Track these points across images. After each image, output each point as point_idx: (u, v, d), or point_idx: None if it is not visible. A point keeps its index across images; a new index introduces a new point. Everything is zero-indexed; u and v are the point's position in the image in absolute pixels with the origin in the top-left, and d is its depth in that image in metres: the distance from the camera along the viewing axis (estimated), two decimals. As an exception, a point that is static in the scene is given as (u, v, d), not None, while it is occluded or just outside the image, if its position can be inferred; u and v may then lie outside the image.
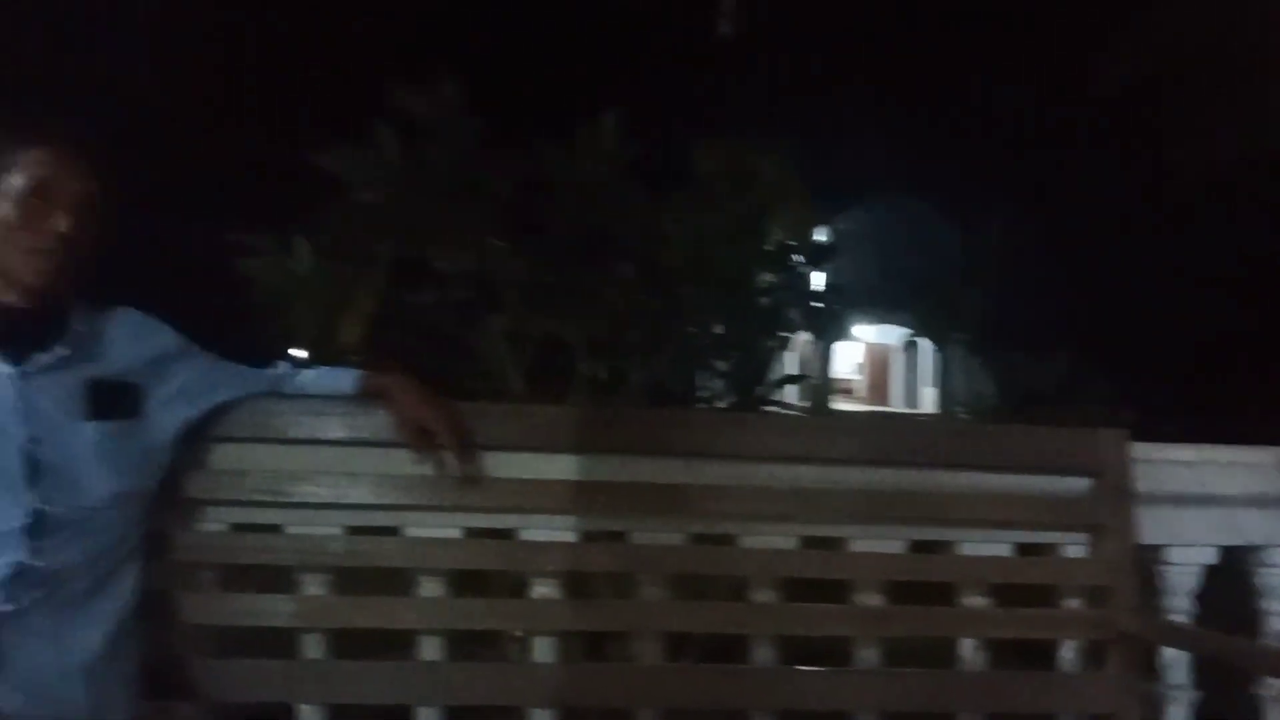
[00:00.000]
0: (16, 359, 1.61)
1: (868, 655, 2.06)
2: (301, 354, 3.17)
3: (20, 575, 1.53)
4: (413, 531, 1.96)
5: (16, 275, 1.62)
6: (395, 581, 1.97)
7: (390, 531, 1.96)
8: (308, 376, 1.96)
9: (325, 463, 1.92)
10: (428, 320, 3.19)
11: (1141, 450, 2.14)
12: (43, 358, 1.63)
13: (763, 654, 2.02)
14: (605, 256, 3.16)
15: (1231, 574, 2.25)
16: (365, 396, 1.91)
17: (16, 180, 1.61)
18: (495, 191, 3.12)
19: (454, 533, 1.96)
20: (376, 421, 1.90)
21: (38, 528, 1.56)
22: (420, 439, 1.88)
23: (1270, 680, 2.14)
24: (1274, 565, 2.23)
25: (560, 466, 1.98)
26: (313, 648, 1.91)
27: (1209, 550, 2.22)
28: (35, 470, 1.57)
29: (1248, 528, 2.22)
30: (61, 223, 1.62)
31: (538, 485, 1.97)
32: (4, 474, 1.55)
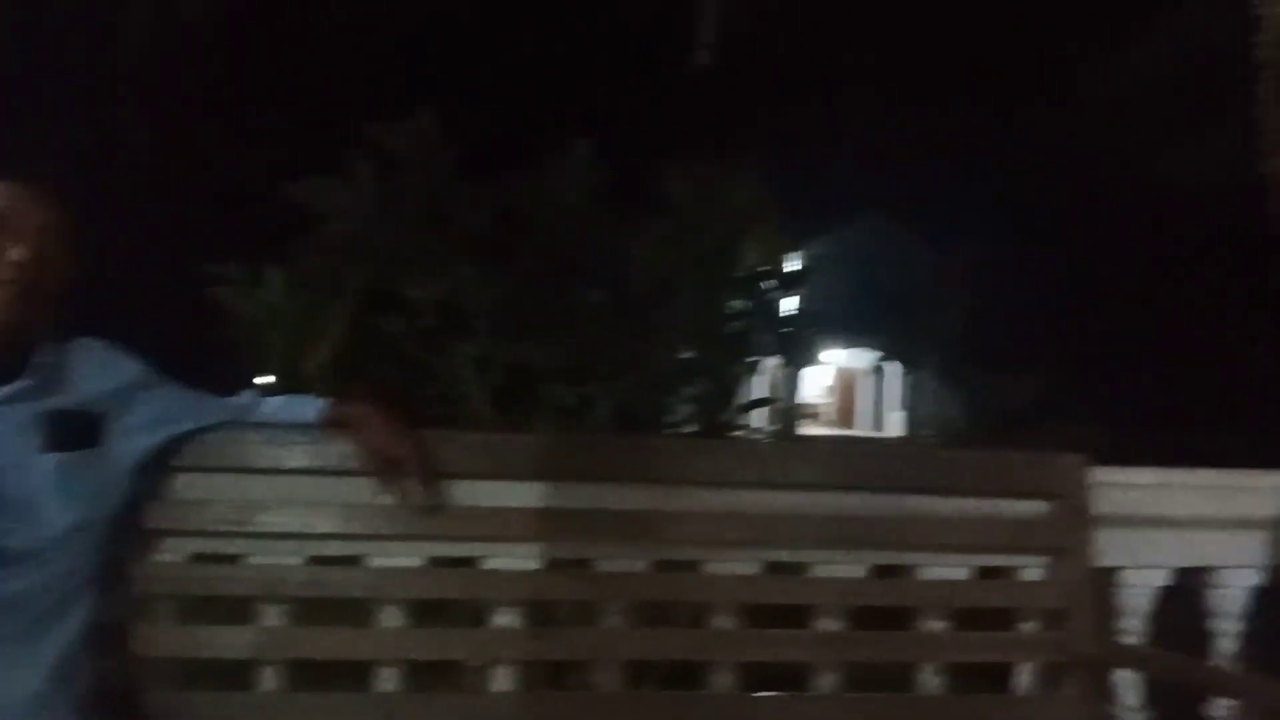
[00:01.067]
0: (-25, 391, 1.59)
1: (828, 680, 2.04)
2: (267, 382, 3.16)
3: (-26, 605, 1.51)
4: (376, 561, 1.93)
5: None
6: (358, 612, 1.95)
7: (354, 561, 1.93)
8: (272, 405, 1.94)
9: (288, 492, 1.90)
10: (397, 348, 3.18)
11: (1101, 474, 2.14)
12: (3, 390, 1.61)
13: (724, 680, 2.01)
14: (575, 283, 3.17)
15: (1186, 595, 2.26)
16: (330, 425, 1.89)
17: None
18: (467, 221, 3.12)
19: (416, 562, 1.94)
20: (341, 450, 1.87)
21: (-6, 558, 1.53)
22: (385, 467, 1.86)
23: (1221, 701, 2.14)
24: (1227, 586, 2.24)
25: (526, 494, 1.96)
26: (272, 679, 1.89)
27: (1162, 571, 2.22)
28: (-7, 501, 1.55)
29: (1203, 549, 2.23)
30: (19, 254, 1.60)
31: (503, 513, 1.95)
32: None
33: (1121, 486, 2.19)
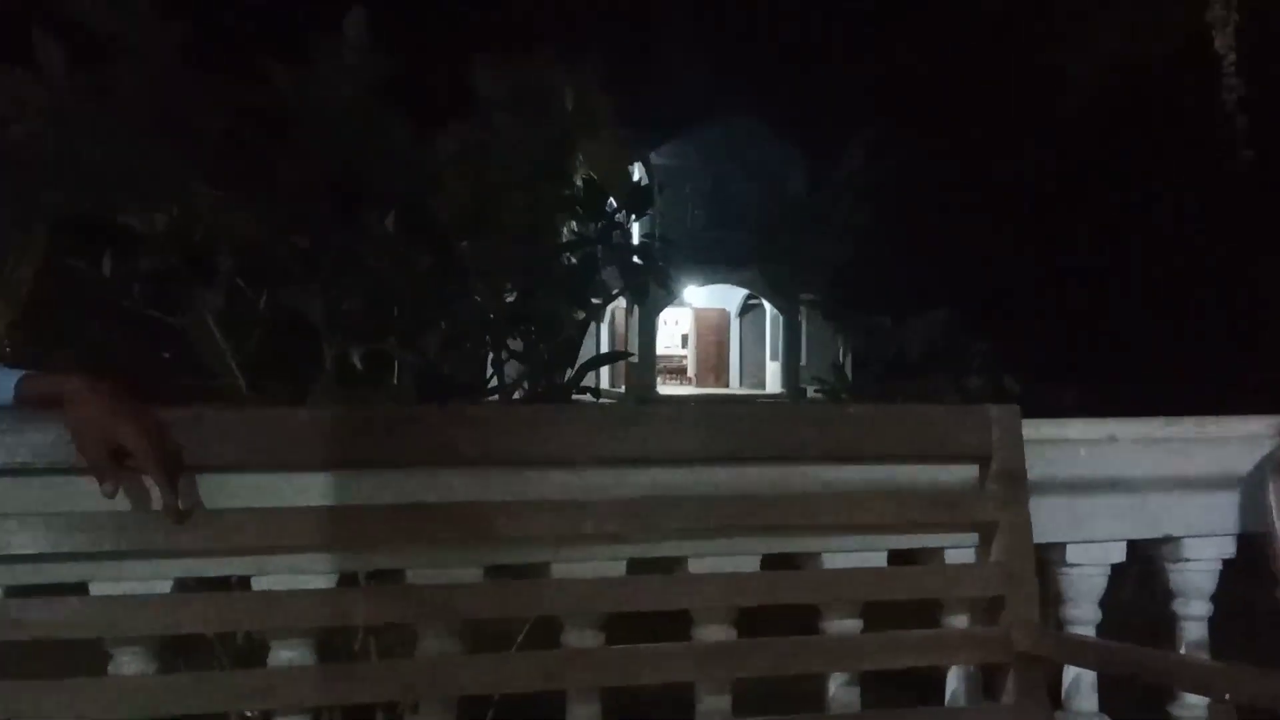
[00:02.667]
0: None
1: (715, 703, 2.07)
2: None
3: None
4: (103, 588, 1.83)
5: None
6: (80, 656, 1.85)
7: (74, 590, 1.83)
8: (-57, 382, 1.81)
9: (-24, 499, 1.78)
10: (113, 298, 3.02)
11: (1035, 429, 2.22)
12: None
13: (584, 713, 2.00)
14: (358, 208, 3.07)
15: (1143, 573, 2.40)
16: (29, 405, 1.77)
17: None
18: (204, 125, 2.98)
19: (163, 586, 1.86)
20: (47, 440, 1.77)
21: None
22: (110, 461, 1.76)
23: (1188, 698, 2.28)
24: (1193, 560, 2.37)
25: (307, 488, 1.91)
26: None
27: (1116, 546, 2.34)
28: None
29: (1162, 516, 2.36)
30: None
31: (277, 516, 1.88)
32: None
33: (1059, 443, 2.30)
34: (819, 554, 2.17)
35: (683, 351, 36.74)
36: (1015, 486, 2.17)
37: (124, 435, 1.75)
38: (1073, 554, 2.33)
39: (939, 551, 2.21)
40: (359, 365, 3.01)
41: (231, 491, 1.87)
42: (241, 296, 3.06)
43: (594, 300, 3.53)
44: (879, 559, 2.18)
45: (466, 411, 2.42)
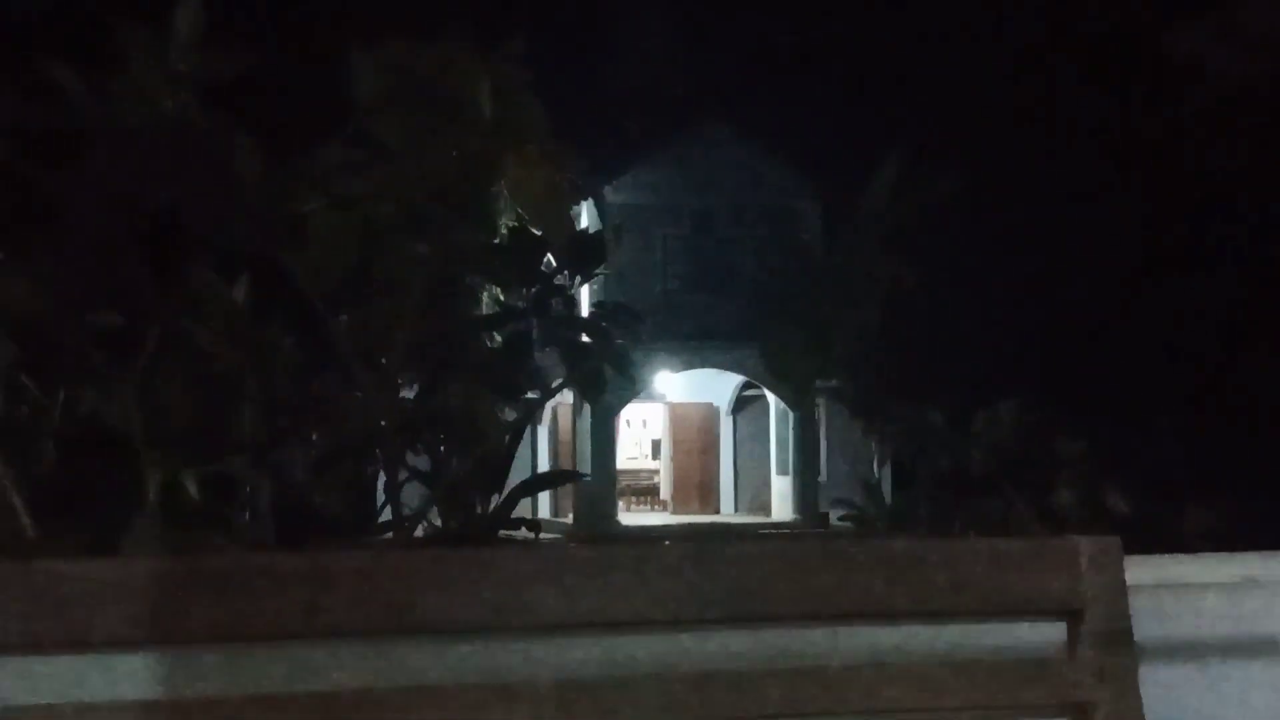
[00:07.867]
0: None
1: None
2: None
3: None
4: None
5: None
6: None
7: None
8: None
9: None
10: None
11: (1145, 569, 2.26)
12: None
13: None
14: (188, 269, 3.08)
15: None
16: None
17: None
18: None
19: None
20: None
21: None
22: None
23: None
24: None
25: (120, 674, 1.93)
26: None
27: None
28: None
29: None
30: None
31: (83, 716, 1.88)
32: None
33: (1179, 588, 2.33)
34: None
35: (654, 464, 36.51)
36: (1118, 651, 2.16)
37: None
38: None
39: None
40: (195, 495, 2.99)
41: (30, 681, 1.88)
42: (24, 400, 3.05)
43: (528, 395, 3.53)
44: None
45: (338, 559, 2.39)
